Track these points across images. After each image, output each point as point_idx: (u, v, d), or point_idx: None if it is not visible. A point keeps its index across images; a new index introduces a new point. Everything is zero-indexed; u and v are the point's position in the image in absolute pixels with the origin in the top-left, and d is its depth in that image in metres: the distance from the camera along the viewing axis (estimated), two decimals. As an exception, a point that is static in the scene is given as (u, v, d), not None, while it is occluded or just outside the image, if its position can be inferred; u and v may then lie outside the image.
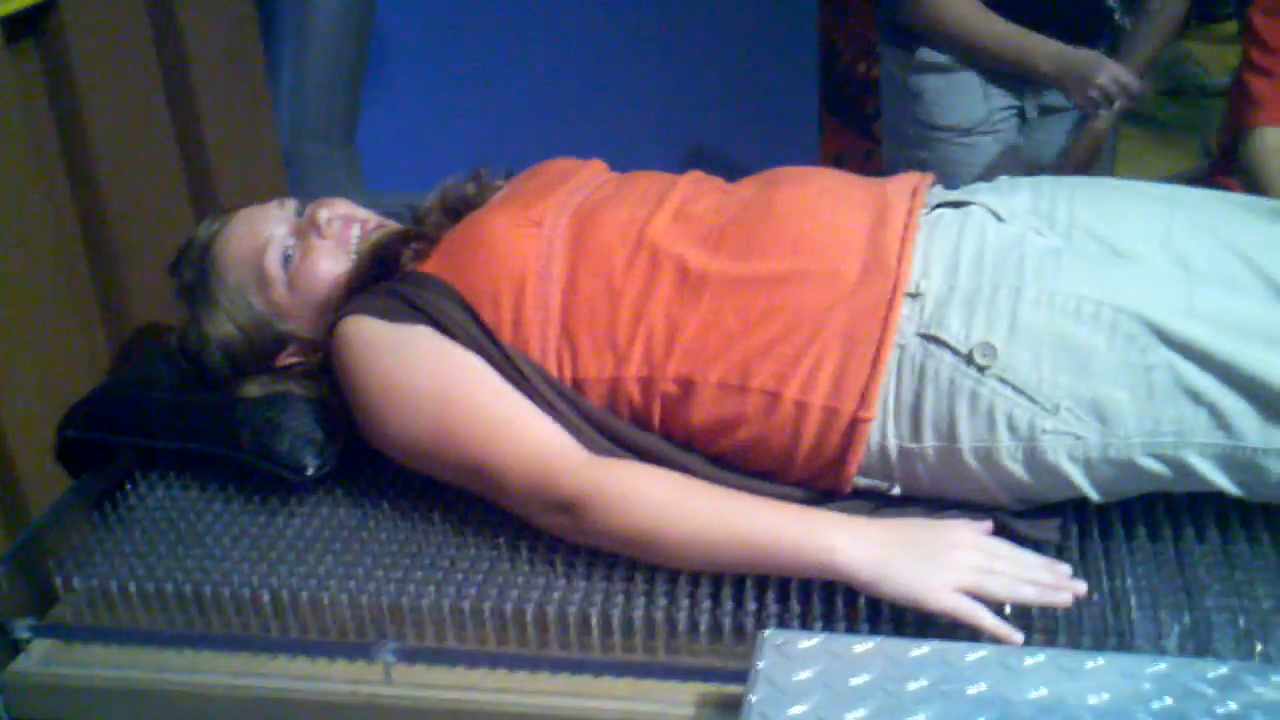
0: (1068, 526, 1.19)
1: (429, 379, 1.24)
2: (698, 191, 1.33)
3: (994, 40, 2.03)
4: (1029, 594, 1.07)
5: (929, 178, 1.33)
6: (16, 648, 1.26)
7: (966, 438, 1.14)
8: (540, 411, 1.23)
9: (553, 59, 2.76)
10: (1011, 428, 1.12)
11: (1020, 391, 1.12)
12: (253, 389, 1.37)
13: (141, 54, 1.62)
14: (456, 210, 1.40)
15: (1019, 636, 1.05)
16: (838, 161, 3.58)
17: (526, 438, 1.21)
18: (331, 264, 1.37)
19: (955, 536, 1.10)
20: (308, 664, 1.20)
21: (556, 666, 1.16)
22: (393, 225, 1.41)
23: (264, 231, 1.39)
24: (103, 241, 1.56)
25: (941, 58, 2.12)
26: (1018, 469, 1.13)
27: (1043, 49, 2.00)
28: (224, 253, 1.40)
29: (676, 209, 1.29)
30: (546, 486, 1.18)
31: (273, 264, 1.37)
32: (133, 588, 1.25)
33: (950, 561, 1.08)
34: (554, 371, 1.25)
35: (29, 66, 1.46)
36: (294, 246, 1.38)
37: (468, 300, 1.26)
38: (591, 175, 1.41)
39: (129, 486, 1.41)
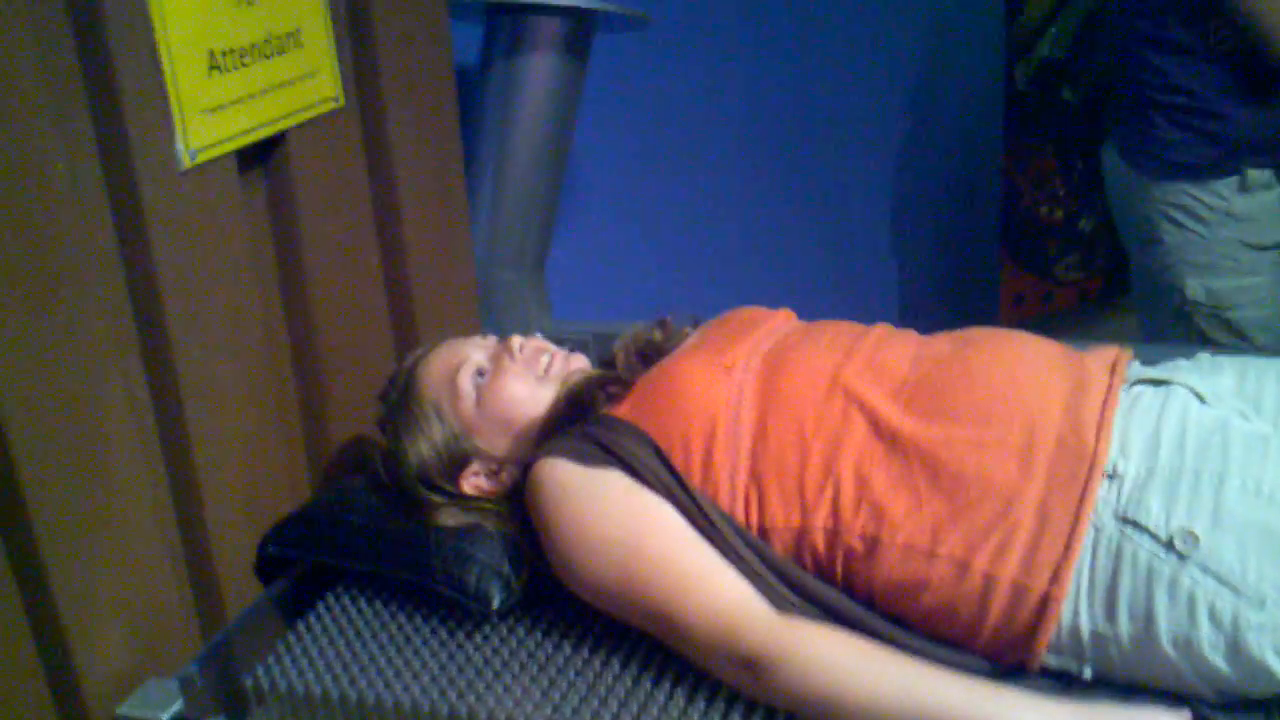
0: (1272, 721, 1.13)
1: (619, 527, 1.26)
2: (889, 342, 1.34)
3: None
4: None
5: (1129, 352, 1.31)
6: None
7: (1164, 625, 1.10)
8: (728, 565, 1.23)
9: (738, 200, 2.81)
10: (1214, 618, 1.08)
11: (1223, 582, 1.08)
12: (446, 519, 1.42)
13: (356, 184, 1.70)
14: (645, 355, 1.44)
15: None
16: (1018, 302, 3.55)
17: (714, 592, 1.22)
18: (520, 386, 1.43)
19: None
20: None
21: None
22: (587, 366, 1.46)
23: (462, 353, 1.47)
24: (310, 361, 1.63)
25: (1268, 174, 2.10)
26: (1219, 661, 1.09)
27: None
28: (425, 372, 1.48)
29: (868, 358, 1.30)
30: (731, 642, 1.18)
31: (465, 380, 1.44)
32: (318, 694, 1.29)
33: None
34: (741, 518, 1.26)
35: (255, 193, 1.56)
36: (488, 368, 1.45)
37: (659, 444, 1.29)
38: (781, 322, 1.44)
39: (320, 599, 1.46)
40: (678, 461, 1.28)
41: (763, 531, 1.26)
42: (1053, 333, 1.34)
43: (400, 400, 1.49)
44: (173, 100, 1.33)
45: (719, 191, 2.75)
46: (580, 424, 1.36)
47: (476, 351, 1.48)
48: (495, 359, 1.47)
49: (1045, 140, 3.43)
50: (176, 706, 1.29)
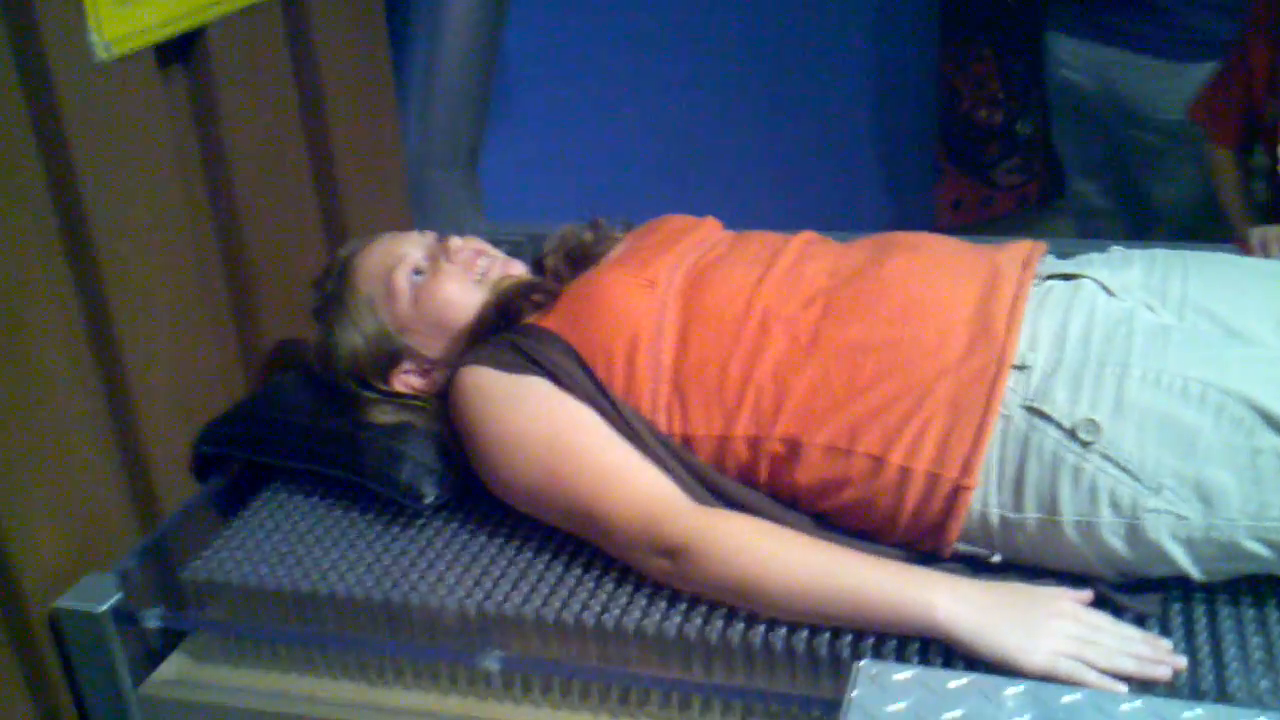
0: (1170, 600, 1.18)
1: (541, 426, 1.28)
2: (810, 253, 1.35)
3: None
4: (1128, 666, 1.07)
5: (1042, 246, 1.33)
6: (145, 638, 1.34)
7: (1068, 511, 1.14)
8: (648, 461, 1.26)
9: (672, 101, 2.79)
10: (1114, 504, 1.12)
11: (1123, 469, 1.12)
12: (379, 415, 1.43)
13: (280, 81, 1.68)
14: (575, 259, 1.44)
15: (1123, 688, 1.05)
16: (957, 206, 3.57)
17: (635, 484, 1.24)
18: (455, 288, 1.43)
19: (1056, 605, 1.11)
20: (420, 695, 1.26)
21: (652, 684, 1.19)
22: (519, 273, 1.46)
23: (400, 249, 1.47)
24: (238, 260, 1.62)
25: None
26: (1119, 544, 1.14)
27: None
28: (361, 266, 1.48)
29: (788, 270, 1.31)
30: (653, 532, 1.21)
31: (401, 278, 1.44)
32: (254, 584, 1.31)
33: (1050, 629, 1.08)
34: (664, 428, 1.28)
35: (177, 90, 1.53)
36: (425, 267, 1.45)
37: (583, 356, 1.30)
38: (706, 233, 1.45)
39: (256, 495, 1.48)
40: (600, 372, 1.30)
41: (686, 440, 1.28)
42: (992, 237, 1.36)
43: (335, 291, 1.48)
44: (84, -11, 1.30)
45: (653, 92, 2.74)
46: (506, 332, 1.37)
47: (415, 249, 1.47)
48: (433, 259, 1.46)
49: (983, 41, 3.43)
50: (115, 598, 1.30)
